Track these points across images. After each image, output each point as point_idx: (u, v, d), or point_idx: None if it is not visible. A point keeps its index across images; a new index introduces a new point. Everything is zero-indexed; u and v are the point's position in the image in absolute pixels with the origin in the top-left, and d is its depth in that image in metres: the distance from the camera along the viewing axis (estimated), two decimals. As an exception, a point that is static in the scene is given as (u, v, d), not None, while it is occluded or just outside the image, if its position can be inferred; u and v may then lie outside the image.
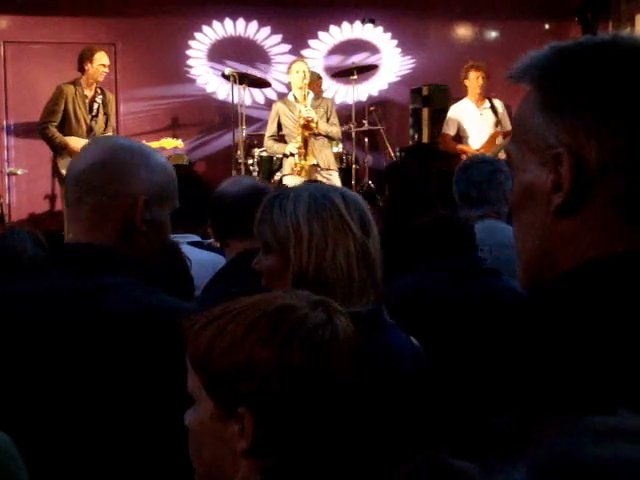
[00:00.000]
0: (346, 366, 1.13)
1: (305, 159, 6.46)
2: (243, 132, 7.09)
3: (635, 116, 0.92)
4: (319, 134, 6.49)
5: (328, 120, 6.63)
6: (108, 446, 1.48)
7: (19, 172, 7.74)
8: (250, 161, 7.14)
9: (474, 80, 6.95)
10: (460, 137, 7.08)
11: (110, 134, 6.63)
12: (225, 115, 8.08)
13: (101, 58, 6.60)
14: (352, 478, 1.17)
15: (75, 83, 6.59)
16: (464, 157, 6.23)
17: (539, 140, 0.96)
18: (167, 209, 1.68)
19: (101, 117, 6.69)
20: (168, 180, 1.68)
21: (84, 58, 6.56)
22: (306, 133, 6.42)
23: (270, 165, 7.15)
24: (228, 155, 7.55)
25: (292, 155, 6.50)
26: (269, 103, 7.58)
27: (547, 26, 8.90)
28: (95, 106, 6.65)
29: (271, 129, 6.71)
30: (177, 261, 2.62)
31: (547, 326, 0.91)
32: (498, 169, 3.21)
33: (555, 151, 0.94)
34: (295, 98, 6.63)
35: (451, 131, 7.09)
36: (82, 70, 6.59)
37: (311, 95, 6.64)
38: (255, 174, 6.94)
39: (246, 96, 7.50)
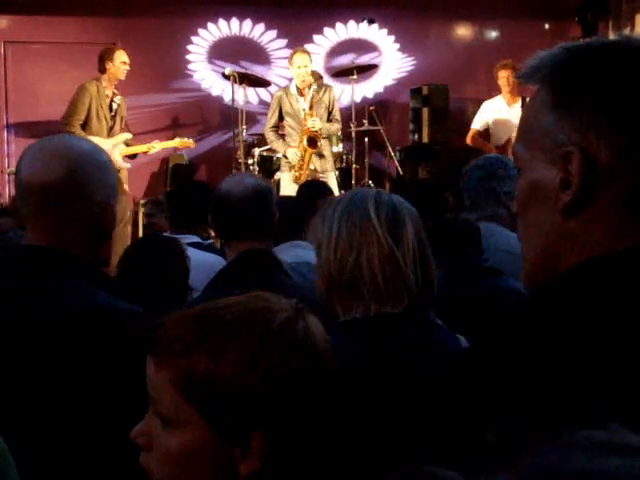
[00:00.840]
0: (334, 369, 1.12)
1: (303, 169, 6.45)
2: (243, 132, 7.08)
3: (637, 118, 0.92)
4: (322, 137, 6.46)
5: (330, 114, 6.59)
6: (61, 447, 1.45)
7: (19, 172, 7.73)
8: (250, 161, 7.12)
9: (502, 79, 7.11)
10: (488, 133, 7.18)
11: (127, 134, 6.65)
12: (225, 115, 8.07)
13: (121, 56, 6.62)
14: None
15: (97, 82, 6.57)
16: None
17: (548, 138, 0.96)
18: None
19: (118, 117, 6.68)
20: (115, 178, 1.68)
21: (105, 58, 6.56)
22: (309, 151, 6.37)
23: (270, 165, 7.14)
24: (228, 155, 7.54)
25: (291, 159, 6.47)
26: (269, 104, 7.57)
27: (547, 26, 8.89)
28: (114, 106, 6.65)
29: (272, 120, 6.64)
30: (180, 263, 2.61)
31: (545, 329, 0.90)
32: (490, 174, 3.17)
33: (565, 149, 0.94)
34: (298, 89, 6.55)
35: (477, 126, 7.23)
36: (103, 70, 6.59)
37: (313, 87, 6.52)
38: (255, 174, 6.92)
39: (246, 96, 7.49)
